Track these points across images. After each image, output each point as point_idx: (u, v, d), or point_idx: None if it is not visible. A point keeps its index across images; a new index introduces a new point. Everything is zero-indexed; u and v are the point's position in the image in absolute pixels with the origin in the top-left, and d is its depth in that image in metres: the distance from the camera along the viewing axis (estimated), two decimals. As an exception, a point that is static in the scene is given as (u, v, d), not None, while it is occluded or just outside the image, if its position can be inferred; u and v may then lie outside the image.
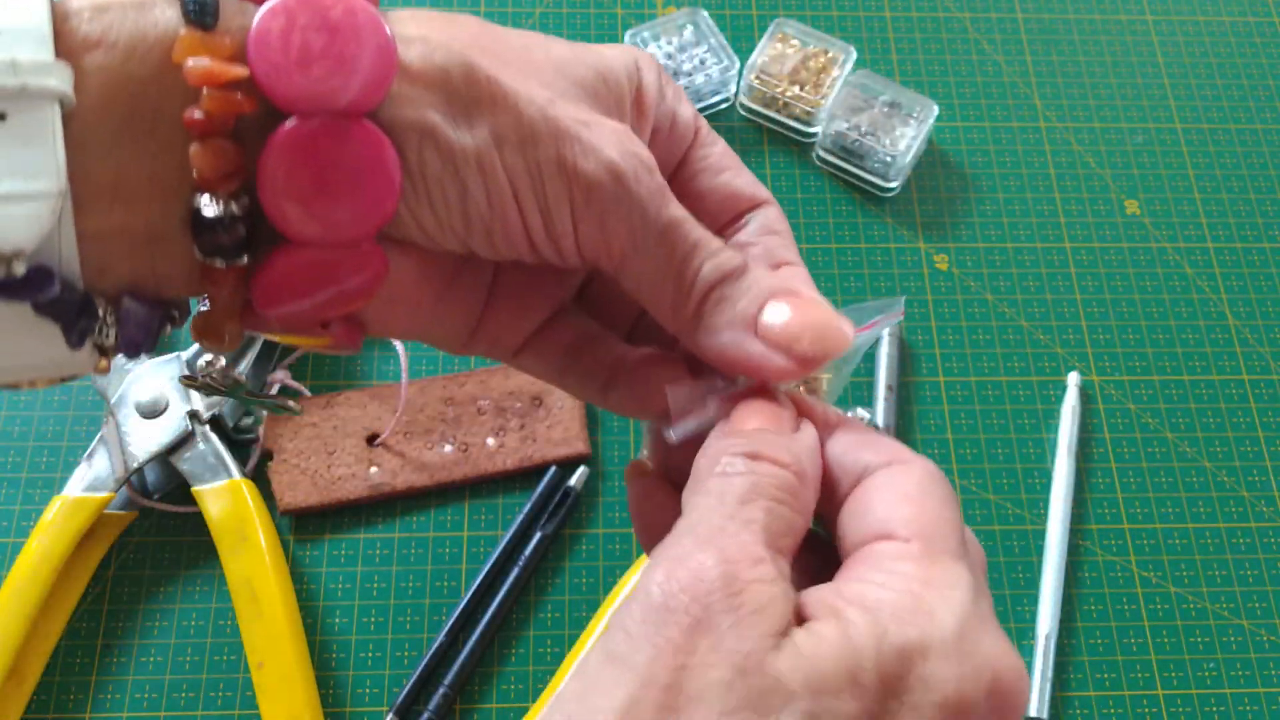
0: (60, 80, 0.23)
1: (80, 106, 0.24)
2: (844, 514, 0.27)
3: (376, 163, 0.25)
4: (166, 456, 0.51)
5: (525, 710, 0.49)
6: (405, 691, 0.49)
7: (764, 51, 0.64)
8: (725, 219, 0.32)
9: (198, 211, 0.25)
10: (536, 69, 0.28)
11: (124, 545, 0.53)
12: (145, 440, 0.50)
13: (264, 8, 0.25)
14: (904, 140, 0.62)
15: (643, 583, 0.24)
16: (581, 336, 0.33)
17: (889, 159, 0.61)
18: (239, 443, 0.53)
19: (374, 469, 0.53)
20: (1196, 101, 0.68)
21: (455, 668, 0.50)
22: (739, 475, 0.26)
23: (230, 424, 0.53)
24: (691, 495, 0.26)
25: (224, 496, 0.50)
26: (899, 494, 0.26)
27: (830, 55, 0.64)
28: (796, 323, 0.28)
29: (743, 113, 0.65)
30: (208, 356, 0.52)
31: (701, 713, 0.22)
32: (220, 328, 0.27)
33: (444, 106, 0.26)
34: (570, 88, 0.28)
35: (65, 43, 0.24)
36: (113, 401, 0.51)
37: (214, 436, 0.51)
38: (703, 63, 0.64)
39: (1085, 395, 0.58)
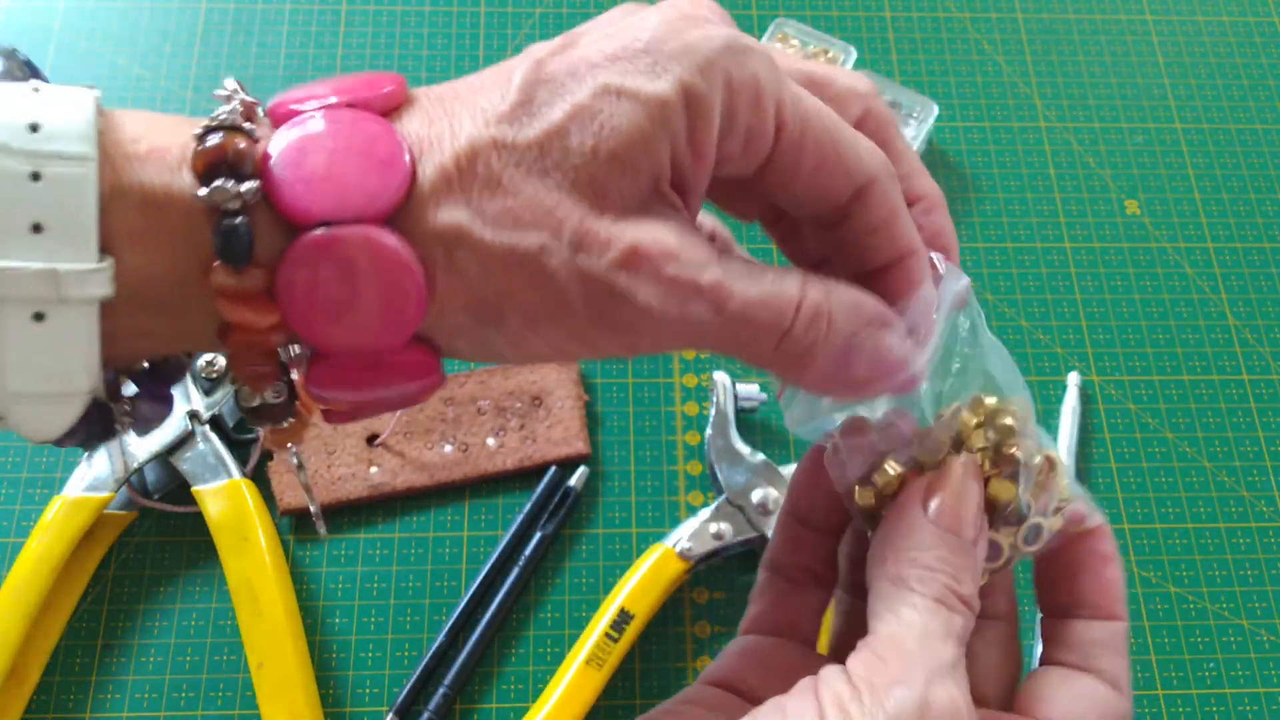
0: (100, 286, 0.24)
1: (116, 296, 0.24)
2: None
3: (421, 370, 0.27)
4: (166, 456, 0.51)
5: (525, 710, 0.49)
6: (405, 691, 0.49)
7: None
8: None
9: (238, 396, 0.27)
10: (552, 213, 0.26)
11: (124, 545, 0.53)
12: (145, 440, 0.50)
13: (290, 253, 0.25)
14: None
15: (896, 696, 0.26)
16: None
17: (889, 159, 0.61)
18: (239, 443, 0.53)
19: (374, 469, 0.53)
20: (1196, 101, 0.68)
21: (455, 667, 0.50)
22: (955, 614, 0.28)
23: (230, 424, 0.53)
24: (899, 600, 0.28)
25: (224, 496, 0.50)
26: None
27: (830, 55, 0.64)
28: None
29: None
30: (208, 355, 0.52)
31: None
32: (290, 437, 0.29)
33: (474, 310, 0.26)
34: (589, 201, 0.26)
35: (108, 230, 0.24)
36: (113, 401, 0.51)
37: (214, 436, 0.51)
38: None
39: (1085, 395, 0.58)
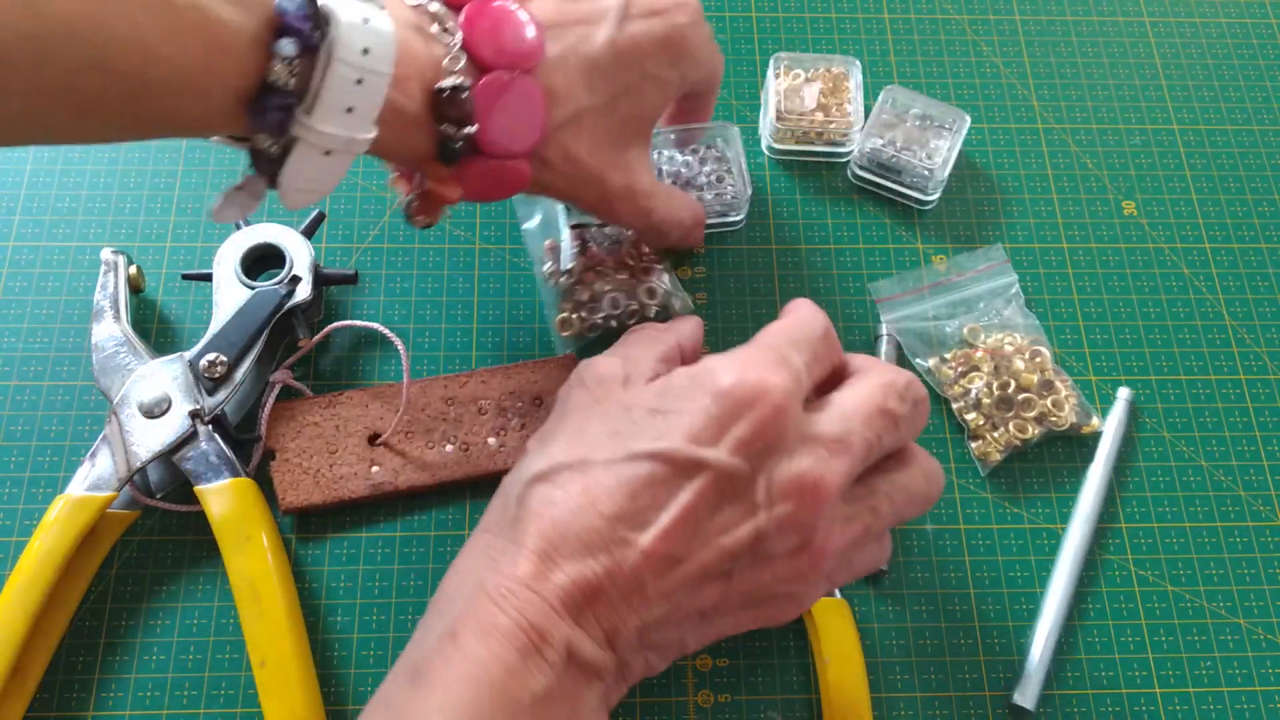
0: (366, 145, 0.41)
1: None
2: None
3: (537, 103, 0.44)
4: (169, 456, 0.51)
5: (526, 708, 0.49)
6: (407, 690, 0.50)
7: (775, 89, 0.63)
8: None
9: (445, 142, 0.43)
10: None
11: (126, 544, 0.53)
12: (148, 440, 0.51)
13: (471, 165, 0.44)
14: (940, 153, 0.61)
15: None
16: None
17: (927, 172, 0.61)
18: (241, 442, 0.53)
19: (375, 468, 0.54)
20: (1194, 103, 0.68)
21: (456, 666, 0.50)
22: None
23: (232, 424, 0.54)
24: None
25: (226, 496, 0.50)
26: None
27: (835, 71, 0.64)
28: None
29: (772, 156, 0.65)
30: (211, 356, 0.52)
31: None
32: (434, 208, 0.45)
33: (587, 76, 0.46)
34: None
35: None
36: (115, 401, 0.51)
37: (216, 436, 0.51)
38: (720, 180, 0.61)
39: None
